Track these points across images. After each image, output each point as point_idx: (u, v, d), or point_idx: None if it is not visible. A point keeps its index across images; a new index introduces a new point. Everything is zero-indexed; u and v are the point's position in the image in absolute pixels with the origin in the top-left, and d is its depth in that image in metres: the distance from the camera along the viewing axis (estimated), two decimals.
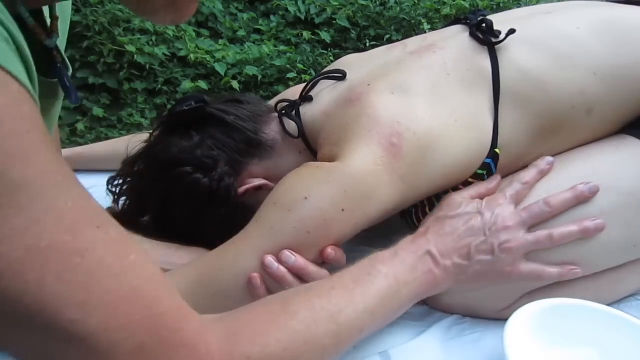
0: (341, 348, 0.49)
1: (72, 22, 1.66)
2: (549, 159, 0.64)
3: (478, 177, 0.67)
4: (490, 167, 0.66)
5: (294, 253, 0.57)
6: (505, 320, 0.57)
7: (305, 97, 0.74)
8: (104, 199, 0.80)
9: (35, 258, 0.29)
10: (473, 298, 0.66)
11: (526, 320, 0.57)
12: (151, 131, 0.78)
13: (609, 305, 0.64)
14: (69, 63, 0.52)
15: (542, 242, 0.59)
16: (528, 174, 0.63)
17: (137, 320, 0.33)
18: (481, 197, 0.63)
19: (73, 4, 1.64)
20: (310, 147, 0.72)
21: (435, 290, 0.59)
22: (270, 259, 0.57)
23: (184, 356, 0.35)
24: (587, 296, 0.63)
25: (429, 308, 0.70)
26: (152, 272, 0.36)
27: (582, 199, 0.60)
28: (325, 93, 0.73)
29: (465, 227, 0.59)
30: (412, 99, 0.64)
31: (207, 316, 0.41)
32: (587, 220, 0.60)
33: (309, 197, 0.58)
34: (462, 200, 0.62)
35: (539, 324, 0.58)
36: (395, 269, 0.55)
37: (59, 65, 0.50)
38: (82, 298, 0.30)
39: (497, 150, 0.66)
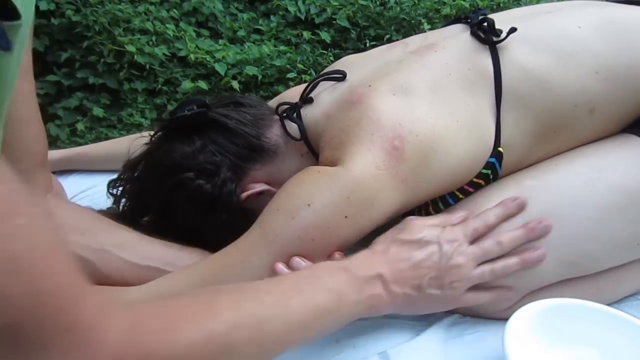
0: (263, 359, 0.45)
1: (72, 22, 1.65)
2: (520, 200, 0.62)
3: (483, 177, 0.66)
4: (495, 166, 0.66)
5: (303, 259, 0.57)
6: (506, 320, 0.57)
7: (306, 99, 0.74)
8: (104, 200, 0.80)
9: None
10: None
11: (526, 320, 0.57)
12: (152, 133, 0.77)
13: (609, 304, 0.64)
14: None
15: (484, 276, 0.59)
16: (493, 215, 0.61)
17: (13, 294, 0.28)
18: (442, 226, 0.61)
19: (73, 4, 1.64)
20: (312, 149, 0.72)
21: (376, 313, 0.57)
22: (281, 267, 0.57)
23: (69, 343, 0.30)
24: (589, 296, 0.63)
25: None
26: (45, 242, 0.30)
27: (532, 235, 0.60)
28: (326, 94, 0.72)
29: (422, 257, 0.57)
30: (413, 100, 0.63)
31: (120, 299, 0.38)
32: (528, 252, 0.60)
33: (312, 204, 0.58)
34: (423, 226, 0.60)
35: (539, 324, 0.58)
36: (341, 286, 0.52)
37: None
38: None
39: (500, 149, 0.66)
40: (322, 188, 0.59)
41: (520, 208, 0.62)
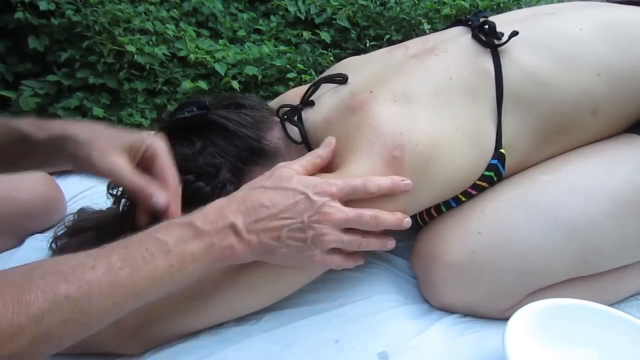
0: (89, 332, 0.44)
1: (72, 22, 1.65)
2: (408, 182, 0.59)
3: (486, 179, 0.67)
4: (498, 167, 0.66)
5: None
6: (506, 320, 0.57)
7: (307, 102, 0.74)
8: (104, 200, 0.80)
9: None
10: (476, 299, 0.66)
11: (527, 320, 0.57)
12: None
13: (611, 305, 0.65)
14: None
15: (352, 245, 0.57)
16: (376, 185, 0.57)
17: None
18: (315, 169, 0.59)
19: (73, 4, 1.64)
20: None
21: (233, 262, 0.55)
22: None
23: None
24: (592, 296, 0.63)
25: (430, 307, 0.70)
26: None
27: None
28: (327, 97, 0.72)
29: (285, 205, 0.54)
30: (414, 107, 0.63)
31: None
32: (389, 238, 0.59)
33: None
34: (292, 174, 0.56)
35: (539, 324, 0.58)
36: (184, 244, 0.50)
37: None
38: None
39: (502, 150, 0.66)
40: None
41: (407, 189, 0.59)
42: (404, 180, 0.59)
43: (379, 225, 0.57)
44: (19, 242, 0.91)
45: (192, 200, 0.68)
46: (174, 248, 0.49)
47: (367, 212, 0.56)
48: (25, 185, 0.89)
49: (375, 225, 0.57)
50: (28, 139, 0.57)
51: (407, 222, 0.59)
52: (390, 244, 0.60)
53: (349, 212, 0.55)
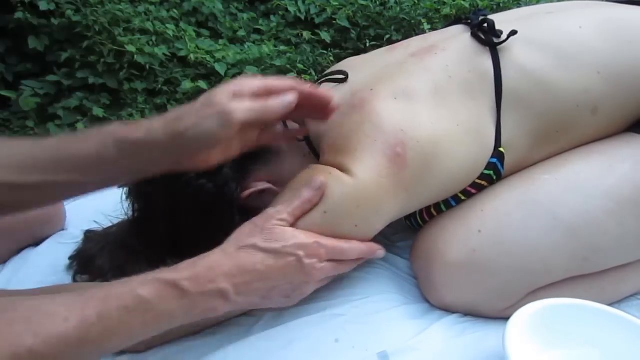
0: None
1: (72, 22, 1.65)
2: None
3: (485, 178, 0.67)
4: (497, 166, 0.66)
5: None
6: (506, 320, 0.57)
7: None
8: (104, 200, 0.80)
9: None
10: (476, 298, 0.66)
11: (527, 320, 0.57)
12: None
13: (610, 304, 0.65)
14: None
15: (324, 282, 0.60)
16: (358, 252, 0.60)
17: None
18: (304, 214, 0.59)
19: (73, 4, 1.64)
20: (314, 150, 0.72)
21: (210, 315, 0.54)
22: None
23: None
24: (591, 295, 0.63)
25: (430, 306, 0.70)
26: None
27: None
28: None
29: (277, 269, 0.54)
30: (414, 105, 0.63)
31: None
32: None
33: (327, 212, 0.59)
34: (286, 233, 0.56)
35: (539, 323, 0.58)
36: (165, 304, 0.48)
37: None
38: None
39: (501, 149, 0.66)
40: (335, 194, 0.59)
41: (379, 257, 0.64)
42: (380, 248, 0.63)
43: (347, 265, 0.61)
44: (10, 254, 0.88)
45: (196, 200, 0.69)
46: (154, 307, 0.48)
47: (347, 263, 0.60)
48: None
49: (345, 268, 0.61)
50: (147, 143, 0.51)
51: (380, 253, 0.63)
52: (379, 253, 0.63)
53: (330, 268, 0.58)
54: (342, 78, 0.72)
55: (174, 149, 0.50)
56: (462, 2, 1.86)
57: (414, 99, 0.64)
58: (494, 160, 0.66)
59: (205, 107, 0.50)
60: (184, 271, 0.51)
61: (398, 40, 1.39)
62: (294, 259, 0.55)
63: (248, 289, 0.53)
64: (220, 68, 1.68)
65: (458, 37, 0.71)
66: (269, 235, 0.55)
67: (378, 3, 1.97)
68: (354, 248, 0.60)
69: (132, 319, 0.46)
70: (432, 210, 0.70)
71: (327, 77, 0.74)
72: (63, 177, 0.51)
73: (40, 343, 0.41)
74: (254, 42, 1.91)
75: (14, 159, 0.50)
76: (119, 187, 0.76)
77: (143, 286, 0.48)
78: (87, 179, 0.52)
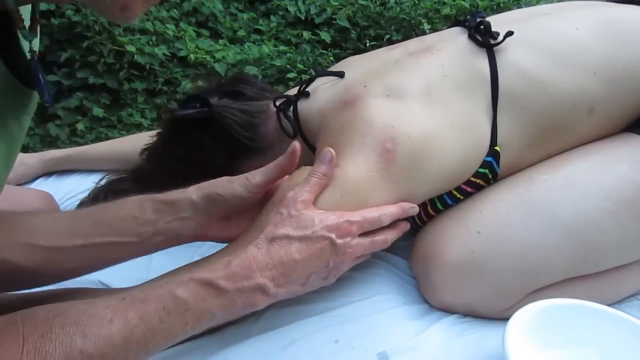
0: None
1: (72, 22, 1.65)
2: (415, 207, 0.64)
3: (481, 176, 0.67)
4: (492, 165, 0.66)
5: None
6: (506, 320, 0.57)
7: (303, 93, 0.75)
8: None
9: None
10: (475, 298, 0.67)
11: (526, 320, 0.57)
12: (154, 132, 0.83)
13: (610, 304, 0.65)
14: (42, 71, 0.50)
15: (360, 259, 0.61)
16: (389, 215, 0.60)
17: None
18: (322, 188, 0.59)
19: (73, 4, 1.64)
20: (308, 142, 0.73)
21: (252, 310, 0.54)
22: None
23: None
24: (591, 296, 0.63)
25: (429, 307, 0.70)
26: None
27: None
28: (322, 90, 0.74)
29: (312, 255, 0.54)
30: (406, 101, 0.64)
31: None
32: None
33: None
34: (313, 217, 0.55)
35: (539, 324, 0.58)
36: (203, 303, 0.49)
37: (35, 59, 0.49)
38: None
39: (496, 148, 0.66)
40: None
41: (414, 213, 0.63)
42: (412, 206, 0.62)
43: (386, 241, 0.61)
44: None
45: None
46: (192, 307, 0.49)
47: (380, 237, 0.60)
48: (21, 202, 0.87)
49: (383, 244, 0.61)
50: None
51: (416, 209, 0.63)
52: (413, 210, 0.63)
53: (366, 243, 0.58)
54: (338, 72, 0.73)
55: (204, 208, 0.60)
56: (462, 2, 1.85)
57: (405, 96, 0.64)
58: (489, 158, 0.66)
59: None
60: (220, 271, 0.51)
61: (398, 41, 1.39)
62: (327, 242, 0.55)
63: (287, 280, 0.53)
64: (220, 68, 1.68)
65: (455, 38, 0.71)
66: (297, 222, 0.55)
67: (378, 3, 1.97)
68: (385, 213, 0.59)
69: (173, 320, 0.48)
70: (430, 210, 0.70)
71: (322, 72, 0.76)
72: (101, 240, 0.58)
73: (89, 344, 0.43)
74: (254, 42, 1.91)
75: (59, 228, 0.57)
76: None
77: (179, 287, 0.49)
78: (123, 239, 0.58)
